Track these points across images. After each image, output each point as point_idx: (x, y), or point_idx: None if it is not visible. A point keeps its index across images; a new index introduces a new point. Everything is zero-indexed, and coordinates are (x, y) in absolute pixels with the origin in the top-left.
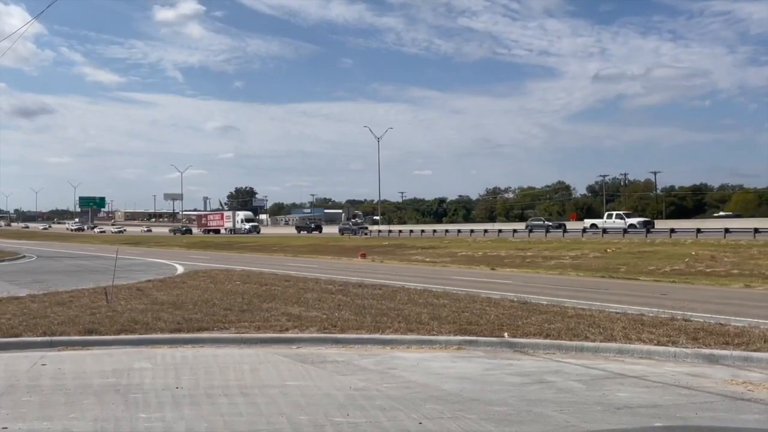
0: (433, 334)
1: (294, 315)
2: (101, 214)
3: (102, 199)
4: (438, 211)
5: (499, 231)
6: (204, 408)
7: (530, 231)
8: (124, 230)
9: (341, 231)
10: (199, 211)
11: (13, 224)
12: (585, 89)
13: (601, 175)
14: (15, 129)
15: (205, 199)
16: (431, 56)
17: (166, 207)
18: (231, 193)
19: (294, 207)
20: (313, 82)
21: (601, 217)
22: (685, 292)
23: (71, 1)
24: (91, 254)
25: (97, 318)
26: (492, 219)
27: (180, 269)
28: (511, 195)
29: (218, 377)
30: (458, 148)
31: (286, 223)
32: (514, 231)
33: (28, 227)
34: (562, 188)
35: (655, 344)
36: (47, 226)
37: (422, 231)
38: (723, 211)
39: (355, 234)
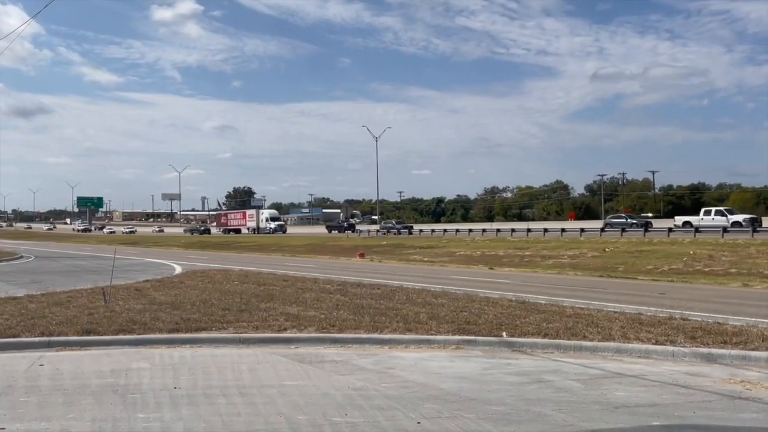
0: (432, 334)
1: (292, 315)
2: (99, 214)
3: (100, 199)
4: (436, 210)
5: (498, 230)
6: (202, 408)
7: (602, 230)
8: (135, 230)
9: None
10: (197, 211)
11: (14, 224)
12: (583, 88)
13: (599, 175)
14: (13, 129)
15: (203, 199)
16: (429, 56)
17: (164, 207)
18: (229, 192)
19: (292, 207)
20: (311, 81)
21: (600, 217)
22: (683, 291)
23: (69, 1)
24: (89, 254)
25: (95, 318)
26: (490, 218)
27: (178, 269)
28: (509, 194)
29: (216, 377)
30: (456, 148)
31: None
32: (513, 230)
33: (30, 228)
34: (561, 187)
35: (653, 343)
36: (52, 227)
37: (420, 230)
38: None
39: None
